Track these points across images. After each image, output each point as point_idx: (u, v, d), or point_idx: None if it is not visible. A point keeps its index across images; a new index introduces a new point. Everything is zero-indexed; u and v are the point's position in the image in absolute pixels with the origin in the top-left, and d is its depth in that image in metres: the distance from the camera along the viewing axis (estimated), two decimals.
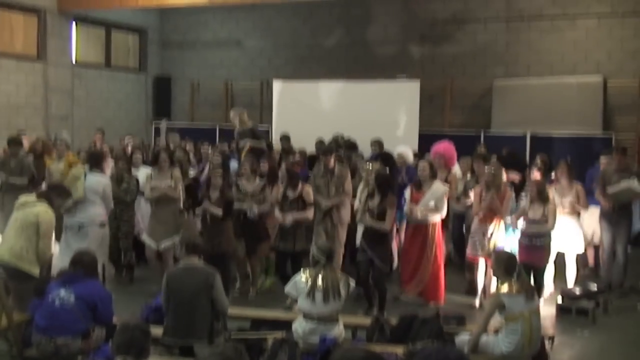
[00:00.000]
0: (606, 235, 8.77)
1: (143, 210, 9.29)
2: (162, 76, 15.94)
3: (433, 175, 8.34)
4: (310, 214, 8.28)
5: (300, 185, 8.26)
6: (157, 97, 15.80)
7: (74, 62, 14.06)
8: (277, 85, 13.18)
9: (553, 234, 8.08)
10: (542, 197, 7.99)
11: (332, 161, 8.36)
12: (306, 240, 8.20)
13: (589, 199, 8.77)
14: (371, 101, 12.05)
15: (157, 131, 14.10)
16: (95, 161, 8.53)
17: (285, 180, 8.51)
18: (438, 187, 8.24)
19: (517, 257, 6.67)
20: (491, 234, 8.11)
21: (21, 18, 13.09)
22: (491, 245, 8.06)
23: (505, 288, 5.90)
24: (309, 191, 8.28)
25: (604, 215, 8.77)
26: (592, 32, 12.15)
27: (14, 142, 9.64)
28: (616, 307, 8.00)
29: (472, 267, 8.55)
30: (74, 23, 14.12)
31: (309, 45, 14.34)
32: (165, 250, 8.52)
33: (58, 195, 7.04)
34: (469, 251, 8.39)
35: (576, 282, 8.61)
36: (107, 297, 5.78)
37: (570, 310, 7.77)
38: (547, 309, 7.06)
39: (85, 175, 8.28)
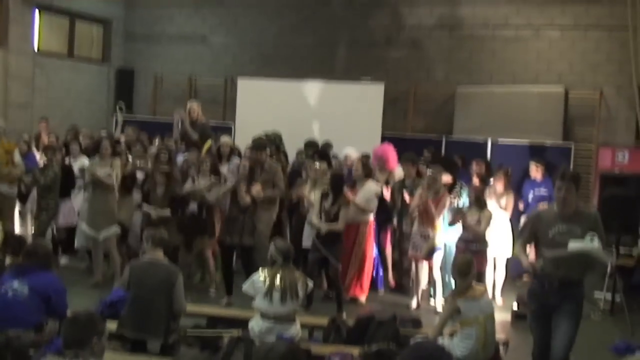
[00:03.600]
0: (538, 330, 5.58)
1: (78, 200, 9.34)
2: (125, 68, 15.73)
3: (367, 175, 8.55)
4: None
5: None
6: (120, 89, 15.58)
7: (35, 50, 13.80)
8: (242, 83, 13.13)
9: (490, 240, 8.28)
10: (479, 203, 8.18)
11: (263, 156, 8.33)
12: (252, 235, 8.13)
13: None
14: (335, 102, 12.09)
15: (117, 124, 13.95)
16: None
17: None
18: (370, 186, 8.43)
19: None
20: (427, 235, 8.27)
21: None
22: (427, 247, 8.25)
23: (460, 292, 5.95)
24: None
25: (532, 297, 5.56)
26: (555, 44, 12.32)
27: None
28: None
29: (410, 268, 8.74)
30: (37, 11, 13.85)
31: (274, 44, 14.29)
32: (106, 240, 8.58)
33: None
34: (408, 251, 8.57)
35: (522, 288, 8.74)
36: (61, 289, 5.68)
37: (525, 317, 7.87)
38: (501, 315, 7.13)
39: None
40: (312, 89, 12.42)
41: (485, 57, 12.78)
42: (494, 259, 8.82)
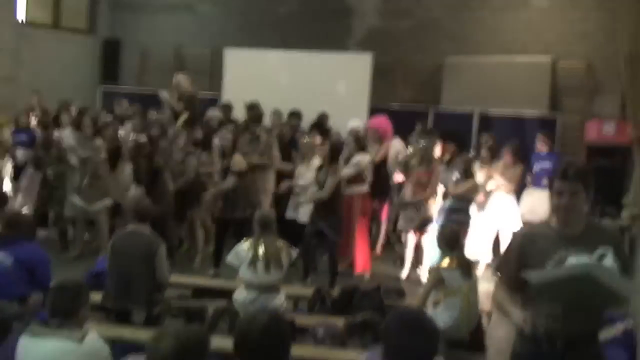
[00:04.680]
0: None
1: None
2: (112, 39, 15.56)
3: (360, 148, 8.55)
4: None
5: None
6: (105, 60, 15.43)
7: (21, 21, 13.62)
8: (228, 53, 13.02)
9: (473, 211, 8.35)
10: (467, 174, 8.25)
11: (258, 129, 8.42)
12: (246, 208, 8.19)
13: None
14: (322, 72, 11.99)
15: (103, 95, 13.84)
16: None
17: None
18: (360, 159, 8.44)
19: None
20: (422, 208, 8.32)
21: None
22: (419, 218, 8.31)
23: (445, 263, 5.99)
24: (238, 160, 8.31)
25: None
26: (544, 13, 12.24)
27: None
28: None
29: (402, 240, 8.80)
30: None
31: (261, 13, 14.13)
32: (98, 213, 8.61)
33: None
34: (400, 224, 8.62)
35: None
36: (45, 260, 5.70)
37: None
38: (485, 285, 7.19)
39: None
40: (299, 59, 12.32)
41: (474, 26, 12.69)
42: (497, 231, 8.93)
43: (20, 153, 9.65)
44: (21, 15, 13.62)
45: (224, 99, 12.16)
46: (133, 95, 12.86)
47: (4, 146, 9.45)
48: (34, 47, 13.69)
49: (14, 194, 9.65)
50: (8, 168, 9.67)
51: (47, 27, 14.53)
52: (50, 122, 9.82)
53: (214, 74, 13.78)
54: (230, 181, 8.17)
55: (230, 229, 8.26)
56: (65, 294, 3.79)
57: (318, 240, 7.99)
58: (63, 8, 15.03)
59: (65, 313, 3.74)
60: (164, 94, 10.49)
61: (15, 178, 9.84)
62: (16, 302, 5.44)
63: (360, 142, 8.72)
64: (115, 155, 8.94)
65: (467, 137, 11.11)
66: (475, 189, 8.41)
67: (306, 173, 8.39)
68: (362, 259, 8.46)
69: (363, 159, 8.60)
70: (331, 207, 7.90)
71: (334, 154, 8.23)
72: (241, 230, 7.97)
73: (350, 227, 8.37)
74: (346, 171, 8.40)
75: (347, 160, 8.60)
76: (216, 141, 9.01)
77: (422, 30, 13.09)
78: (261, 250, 5.89)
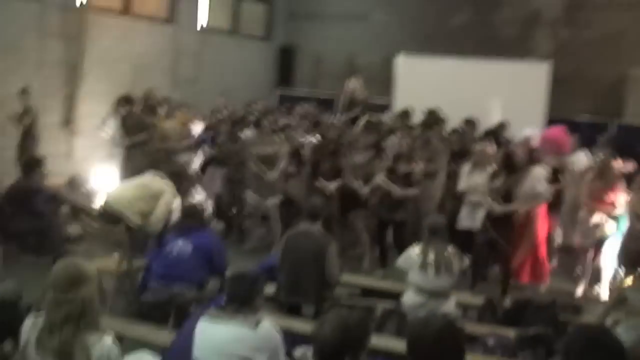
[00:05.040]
0: None
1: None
2: (287, 46, 16.07)
3: (532, 160, 8.12)
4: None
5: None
6: (281, 66, 15.97)
7: (202, 26, 14.32)
8: (401, 61, 13.01)
9: None
10: None
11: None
12: (405, 210, 8.30)
13: None
14: (497, 81, 11.70)
15: (279, 99, 14.28)
16: None
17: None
18: (535, 172, 7.99)
19: None
20: (598, 224, 7.89)
21: None
22: (597, 235, 7.88)
23: (629, 281, 5.63)
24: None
25: None
26: None
27: (125, 100, 9.93)
28: None
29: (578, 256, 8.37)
30: None
31: (434, 23, 14.08)
32: (271, 207, 8.85)
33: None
34: (576, 240, 8.21)
35: None
36: (221, 248, 5.93)
37: None
38: None
39: None
40: (473, 68, 12.10)
41: None
42: None
43: (206, 150, 10.12)
44: (203, 21, 14.29)
45: (395, 105, 12.16)
46: (307, 99, 13.16)
47: (192, 141, 9.95)
48: (215, 51, 14.36)
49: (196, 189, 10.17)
50: (196, 163, 10.14)
51: (226, 33, 15.20)
52: (236, 122, 10.21)
53: (385, 81, 13.85)
54: (412, 191, 8.28)
55: (388, 229, 8.34)
56: (244, 282, 3.87)
57: (490, 250, 7.78)
58: (242, 15, 15.69)
59: (242, 300, 3.81)
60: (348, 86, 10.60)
61: (201, 174, 10.33)
62: (194, 287, 5.67)
63: (533, 154, 8.32)
64: (295, 155, 9.16)
65: None
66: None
67: (477, 180, 8.17)
68: (539, 272, 8.10)
69: (543, 174, 8.17)
70: (509, 218, 7.67)
71: (510, 163, 7.94)
72: (399, 232, 8.03)
73: (530, 239, 8.00)
74: (526, 189, 7.98)
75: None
76: (388, 145, 9.02)
77: (606, 40, 12.48)
78: (432, 255, 5.80)
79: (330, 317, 3.18)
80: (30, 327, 3.45)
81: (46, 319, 3.39)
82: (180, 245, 5.78)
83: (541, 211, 8.11)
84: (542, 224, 8.06)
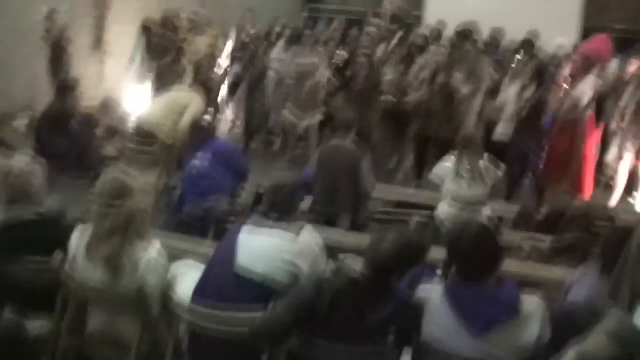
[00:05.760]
0: None
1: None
2: None
3: (586, 70, 7.88)
4: None
5: None
6: None
7: None
8: None
9: None
10: None
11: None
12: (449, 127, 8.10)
13: None
14: None
15: (310, 17, 14.09)
16: None
17: None
18: (588, 80, 7.78)
19: None
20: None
21: None
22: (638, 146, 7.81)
23: None
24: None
25: None
26: None
27: (144, 28, 9.86)
28: None
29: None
30: None
31: None
32: (309, 127, 8.83)
33: None
34: (612, 150, 8.12)
35: None
36: (238, 149, 6.06)
37: None
38: None
39: None
40: None
41: None
42: None
43: (236, 67, 10.06)
44: None
45: (426, 18, 11.94)
46: (338, 13, 12.89)
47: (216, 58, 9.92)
48: None
49: (227, 107, 10.19)
50: (226, 81, 10.13)
51: None
52: (261, 39, 10.13)
53: None
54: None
55: (430, 146, 8.27)
56: (284, 190, 3.88)
57: (522, 161, 7.78)
58: None
59: (282, 209, 3.83)
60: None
61: (231, 93, 10.31)
62: (226, 197, 5.75)
63: (586, 64, 8.02)
64: (338, 70, 9.13)
65: None
66: None
67: (511, 92, 8.06)
68: (580, 184, 7.99)
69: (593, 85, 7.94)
70: (537, 128, 7.62)
71: (541, 74, 7.82)
72: (442, 149, 7.95)
73: (571, 152, 7.85)
74: (575, 94, 7.77)
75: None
76: (421, 60, 8.86)
77: None
78: (465, 165, 5.84)
79: (392, 235, 3.29)
80: (78, 238, 3.57)
81: (94, 229, 3.49)
82: (201, 158, 5.86)
83: (590, 125, 7.93)
84: (590, 139, 7.91)
